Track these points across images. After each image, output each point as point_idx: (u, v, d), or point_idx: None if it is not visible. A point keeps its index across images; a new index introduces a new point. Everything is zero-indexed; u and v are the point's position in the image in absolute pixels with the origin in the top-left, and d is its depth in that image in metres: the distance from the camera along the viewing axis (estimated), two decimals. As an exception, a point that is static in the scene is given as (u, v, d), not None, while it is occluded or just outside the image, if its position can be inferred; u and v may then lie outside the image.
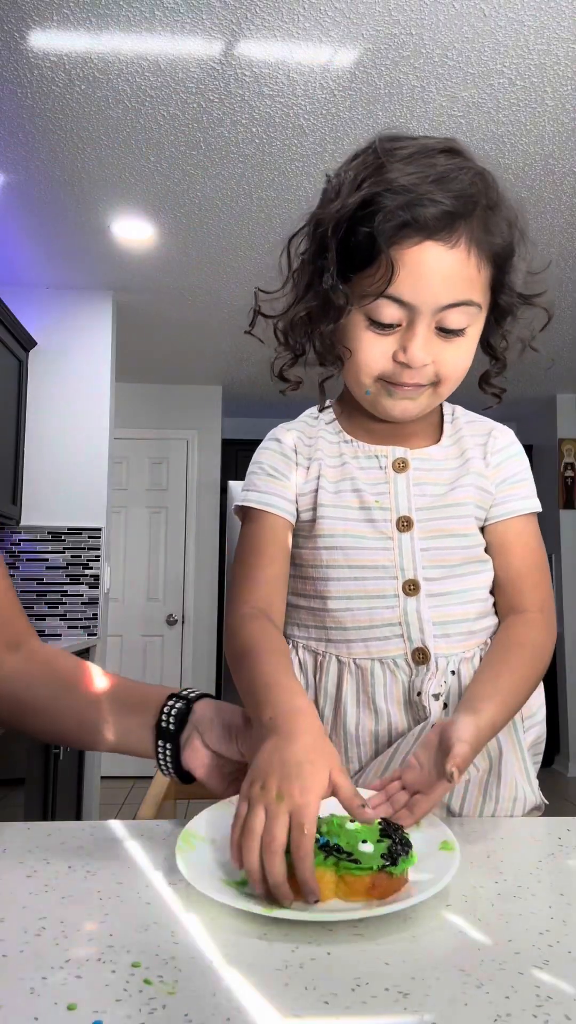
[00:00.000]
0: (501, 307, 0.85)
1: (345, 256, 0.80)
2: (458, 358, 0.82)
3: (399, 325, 0.79)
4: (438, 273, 0.76)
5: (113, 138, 2.43)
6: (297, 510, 0.92)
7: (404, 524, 0.87)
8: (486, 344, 0.88)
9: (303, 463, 0.92)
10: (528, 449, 5.39)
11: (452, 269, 0.77)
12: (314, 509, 0.90)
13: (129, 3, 1.88)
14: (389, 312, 0.78)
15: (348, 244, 0.79)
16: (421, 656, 0.85)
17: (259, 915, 0.55)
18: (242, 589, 0.89)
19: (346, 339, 0.83)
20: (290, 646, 0.92)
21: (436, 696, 0.85)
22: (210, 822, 0.67)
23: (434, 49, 2.02)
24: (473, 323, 0.81)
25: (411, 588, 0.86)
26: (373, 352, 0.81)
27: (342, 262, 0.80)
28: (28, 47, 2.03)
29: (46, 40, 2.00)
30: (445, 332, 0.80)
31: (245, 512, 0.93)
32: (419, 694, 0.85)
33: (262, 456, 0.95)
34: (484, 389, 0.92)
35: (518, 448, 0.95)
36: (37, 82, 2.17)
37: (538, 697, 0.94)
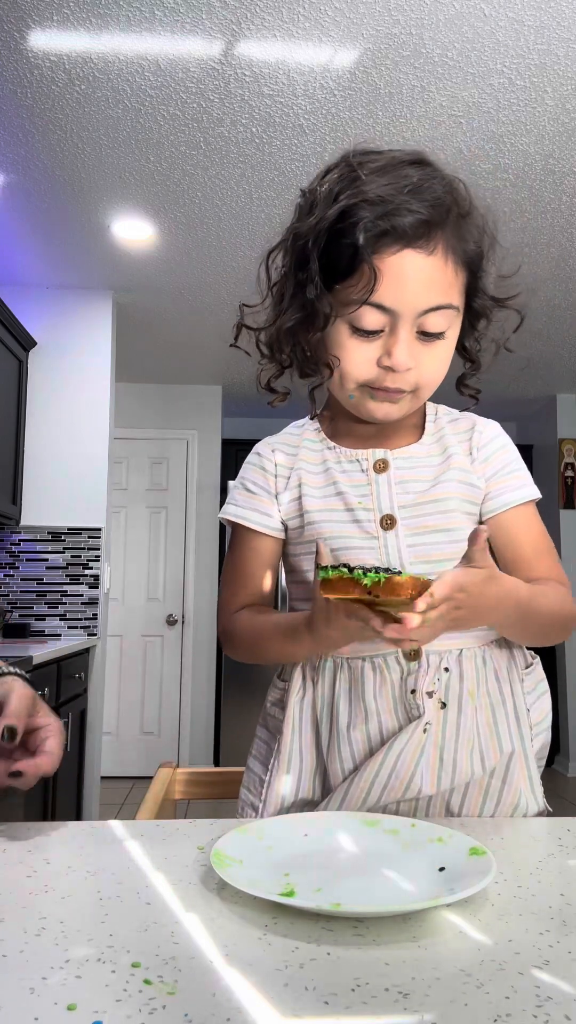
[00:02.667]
0: (475, 310, 0.88)
1: (327, 267, 0.82)
2: (437, 363, 0.85)
3: (382, 331, 0.82)
4: (418, 279, 0.80)
5: (113, 138, 2.43)
6: (283, 521, 0.95)
7: (388, 522, 0.88)
8: (461, 347, 0.91)
9: (283, 474, 0.96)
10: (528, 449, 5.43)
11: (431, 274, 0.80)
12: (301, 516, 0.93)
13: (129, 3, 1.88)
14: (372, 319, 0.80)
15: (329, 255, 0.81)
16: (412, 653, 0.85)
17: (258, 916, 0.55)
18: (225, 597, 0.98)
19: (331, 348, 0.85)
20: None
21: (430, 694, 0.84)
22: (237, 844, 0.66)
23: (434, 49, 2.02)
24: (451, 327, 0.84)
25: None
26: (358, 359, 0.83)
27: (324, 273, 0.82)
28: (28, 47, 2.03)
29: (46, 40, 2.00)
30: (426, 336, 0.82)
31: (229, 523, 0.99)
32: (413, 692, 0.85)
33: (243, 471, 1.00)
34: (461, 391, 0.95)
35: (504, 440, 0.95)
36: (37, 82, 2.17)
37: (545, 704, 0.93)
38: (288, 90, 2.20)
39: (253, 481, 0.97)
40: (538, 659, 0.96)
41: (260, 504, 0.96)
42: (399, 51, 2.03)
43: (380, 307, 0.80)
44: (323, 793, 0.89)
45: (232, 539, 0.99)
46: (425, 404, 0.97)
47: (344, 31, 1.96)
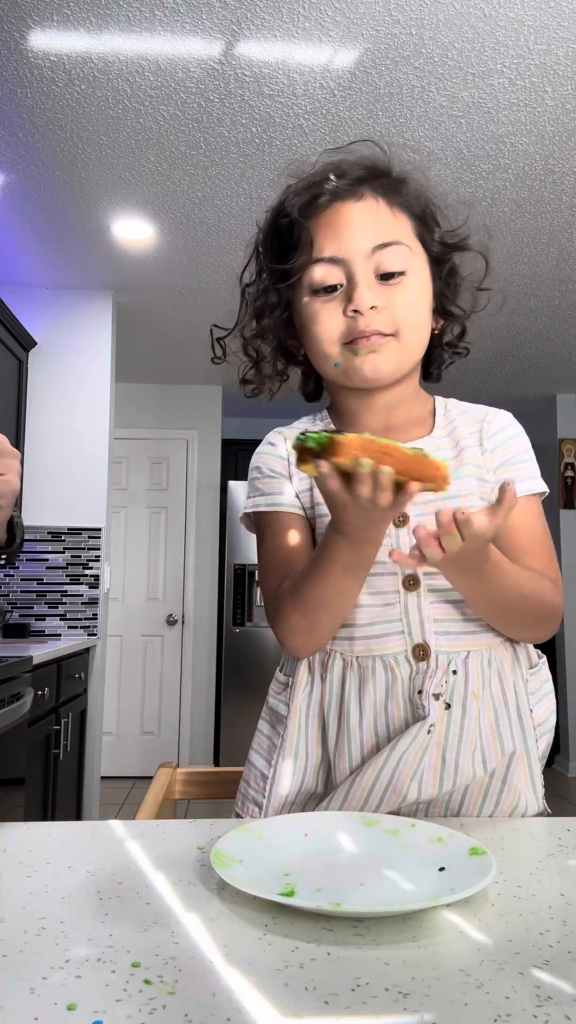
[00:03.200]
0: (437, 258, 0.89)
1: (277, 253, 0.88)
2: (409, 300, 0.85)
3: (340, 285, 0.84)
4: (354, 222, 0.84)
5: (113, 138, 2.43)
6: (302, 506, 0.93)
7: (400, 519, 0.88)
8: (443, 310, 0.92)
9: (294, 460, 0.94)
10: (528, 449, 5.42)
11: (365, 215, 0.84)
12: (313, 508, 0.92)
13: (129, 3, 1.88)
14: (325, 274, 0.84)
15: (277, 243, 0.88)
16: (422, 652, 0.85)
17: (258, 916, 0.55)
18: (269, 588, 0.91)
19: (299, 321, 0.88)
20: None
21: (437, 696, 0.84)
22: (237, 844, 0.66)
23: (434, 49, 2.02)
24: (412, 268, 0.85)
25: (411, 583, 0.86)
26: (323, 316, 0.85)
27: (275, 260, 0.88)
28: (28, 47, 2.03)
29: (46, 40, 2.00)
30: (385, 277, 0.84)
31: (257, 518, 0.95)
32: (420, 693, 0.84)
33: (259, 460, 0.97)
34: (446, 350, 0.96)
35: (516, 430, 0.94)
36: (37, 82, 2.17)
37: (549, 705, 0.93)
38: (288, 90, 2.20)
39: (270, 468, 0.95)
40: (544, 660, 0.95)
41: (283, 486, 0.93)
42: (399, 51, 2.03)
43: (328, 260, 0.83)
44: (327, 787, 0.89)
45: (262, 532, 0.94)
46: (434, 399, 0.96)
47: (344, 31, 1.96)
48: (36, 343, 3.59)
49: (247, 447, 5.44)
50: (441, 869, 0.62)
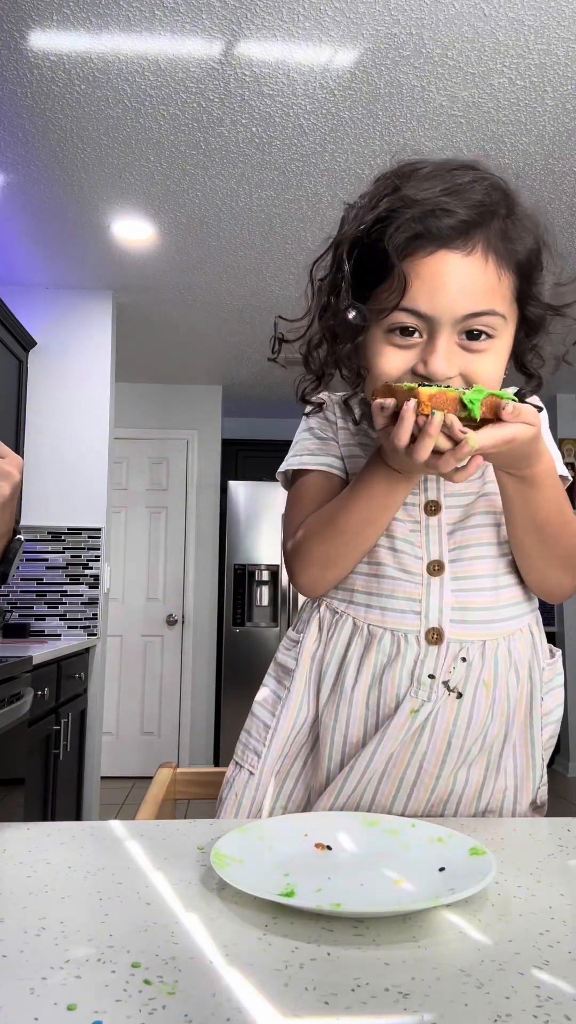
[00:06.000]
0: (530, 320, 0.82)
1: (362, 274, 0.79)
2: (486, 370, 0.78)
3: (419, 335, 0.77)
4: (454, 282, 0.75)
5: (113, 138, 2.43)
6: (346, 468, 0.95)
7: (432, 508, 0.88)
8: (519, 363, 0.87)
9: (342, 425, 0.96)
10: (528, 449, 5.41)
11: (469, 277, 0.75)
12: (352, 473, 0.93)
13: (129, 3, 1.88)
14: (407, 320, 0.76)
15: (364, 262, 0.78)
16: (435, 636, 0.85)
17: (258, 916, 0.55)
18: (292, 523, 0.93)
19: (365, 351, 0.81)
20: (314, 603, 0.95)
21: (446, 683, 0.84)
22: (237, 844, 0.66)
23: (434, 49, 2.02)
24: (499, 335, 0.79)
25: (435, 568, 0.87)
26: (390, 361, 0.78)
27: (359, 280, 0.79)
28: (28, 47, 2.03)
29: (46, 40, 2.00)
30: (469, 344, 0.77)
31: (296, 474, 0.97)
32: (432, 677, 0.84)
33: (310, 421, 0.98)
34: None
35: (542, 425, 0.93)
36: (37, 82, 2.17)
37: (558, 697, 0.93)
38: (288, 90, 2.20)
39: (320, 429, 0.97)
40: (560, 653, 0.95)
41: (331, 448, 0.95)
42: (399, 51, 2.03)
43: (414, 312, 0.75)
44: (315, 744, 0.91)
45: (298, 487, 0.96)
46: None
47: (344, 31, 1.96)
48: (36, 343, 3.59)
49: (247, 447, 5.45)
50: (441, 869, 0.62)
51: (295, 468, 0.96)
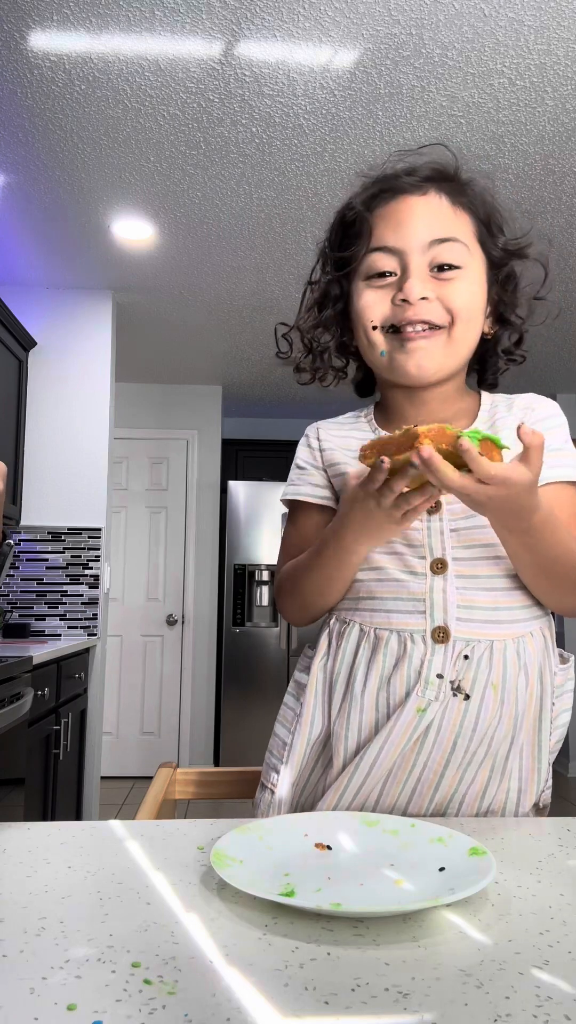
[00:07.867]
0: (495, 263, 0.90)
1: (340, 246, 0.90)
2: (460, 294, 0.86)
3: (393, 274, 0.86)
4: (415, 215, 0.86)
5: (113, 138, 2.43)
6: (334, 491, 0.98)
7: (433, 507, 0.88)
8: (499, 316, 0.93)
9: (327, 447, 0.99)
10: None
11: (427, 210, 0.86)
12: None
13: (129, 3, 1.88)
14: (380, 262, 0.86)
15: (342, 237, 0.90)
16: (442, 635, 0.85)
17: (258, 915, 0.55)
18: (280, 562, 1.00)
19: (351, 309, 0.90)
20: (325, 618, 0.97)
21: (453, 684, 0.84)
22: (237, 844, 0.66)
23: (434, 49, 2.02)
24: (467, 265, 0.86)
25: (439, 567, 0.87)
26: (370, 300, 0.87)
27: (339, 258, 0.90)
28: (28, 47, 2.03)
29: (46, 40, 2.00)
30: (440, 270, 0.85)
31: (288, 504, 1.03)
32: (440, 676, 0.84)
33: (297, 451, 1.04)
34: (502, 357, 0.96)
35: (559, 420, 0.93)
36: (37, 82, 2.17)
37: (567, 702, 0.93)
38: (288, 90, 2.20)
39: (302, 458, 1.01)
40: (573, 658, 0.95)
41: (310, 478, 0.99)
42: (399, 51, 2.03)
43: (383, 249, 0.85)
44: (327, 751, 0.91)
45: (289, 517, 1.03)
46: (480, 394, 0.97)
47: (344, 31, 1.96)
48: (36, 343, 3.59)
49: (247, 447, 5.45)
50: (441, 869, 0.62)
51: (282, 499, 1.03)
